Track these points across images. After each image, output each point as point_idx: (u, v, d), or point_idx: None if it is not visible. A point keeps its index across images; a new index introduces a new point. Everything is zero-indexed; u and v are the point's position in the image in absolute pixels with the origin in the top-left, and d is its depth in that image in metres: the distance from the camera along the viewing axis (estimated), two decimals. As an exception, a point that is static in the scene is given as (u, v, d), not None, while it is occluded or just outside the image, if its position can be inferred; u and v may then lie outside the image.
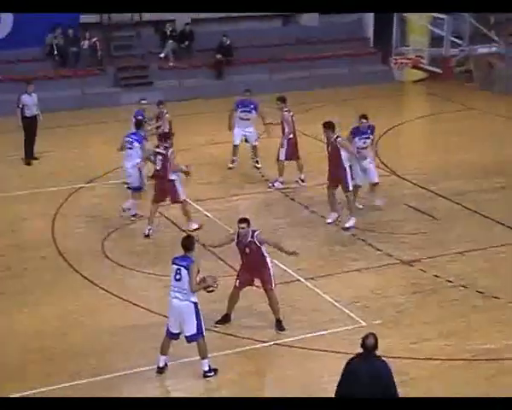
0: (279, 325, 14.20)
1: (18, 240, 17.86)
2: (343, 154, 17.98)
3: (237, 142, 21.42)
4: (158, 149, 17.84)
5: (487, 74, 30.23)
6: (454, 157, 22.23)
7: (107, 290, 15.53)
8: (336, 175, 18.15)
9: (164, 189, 17.86)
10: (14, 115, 22.00)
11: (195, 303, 12.77)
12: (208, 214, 18.86)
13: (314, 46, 30.91)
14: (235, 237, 13.98)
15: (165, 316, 13.92)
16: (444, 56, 28.60)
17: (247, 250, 13.94)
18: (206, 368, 12.96)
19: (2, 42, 27.51)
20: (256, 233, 13.91)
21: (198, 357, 13.03)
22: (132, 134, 18.80)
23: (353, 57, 30.97)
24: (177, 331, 12.95)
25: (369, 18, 32.53)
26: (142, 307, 14.90)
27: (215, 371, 13.01)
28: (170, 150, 17.69)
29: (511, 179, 20.74)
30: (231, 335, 13.94)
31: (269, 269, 14.12)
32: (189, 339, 12.90)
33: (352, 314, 14.69)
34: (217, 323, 14.15)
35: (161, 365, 13.03)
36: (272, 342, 13.90)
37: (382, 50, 31.45)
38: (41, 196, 20.09)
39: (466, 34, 29.39)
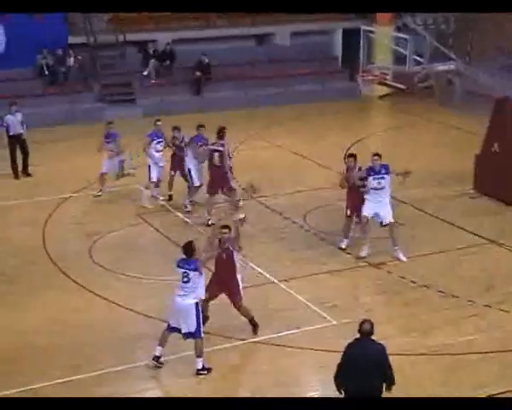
0: (254, 327, 14.04)
1: (10, 246, 17.83)
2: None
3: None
4: (215, 147, 18.45)
5: (446, 90, 30.50)
6: (416, 166, 22.35)
7: (93, 292, 15.55)
8: (359, 205, 17.15)
9: (220, 181, 18.57)
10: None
11: (197, 303, 12.78)
12: (188, 221, 18.94)
13: (286, 64, 31.08)
14: (217, 244, 13.65)
15: (149, 316, 14.04)
16: (407, 73, 28.80)
17: (224, 256, 13.66)
18: (200, 366, 12.92)
19: (-5, 62, 27.54)
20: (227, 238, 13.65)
21: (179, 355, 13.13)
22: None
23: (323, 75, 31.16)
24: (178, 327, 12.92)
25: (338, 38, 32.86)
26: (127, 308, 14.94)
27: (209, 370, 12.98)
28: (226, 147, 18.45)
29: (468, 187, 20.95)
30: (210, 333, 13.98)
31: (237, 283, 13.79)
32: (187, 336, 12.89)
33: (323, 314, 14.80)
34: None
35: (157, 354, 12.99)
36: (249, 340, 13.97)
37: (350, 68, 31.65)
38: (32, 206, 20.08)
39: (427, 53, 29.65)
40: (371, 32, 29.62)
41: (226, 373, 13.25)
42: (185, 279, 12.74)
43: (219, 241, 13.70)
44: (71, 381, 12.73)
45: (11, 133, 22.19)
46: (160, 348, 13.03)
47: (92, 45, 29.17)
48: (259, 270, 16.37)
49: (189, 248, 12.91)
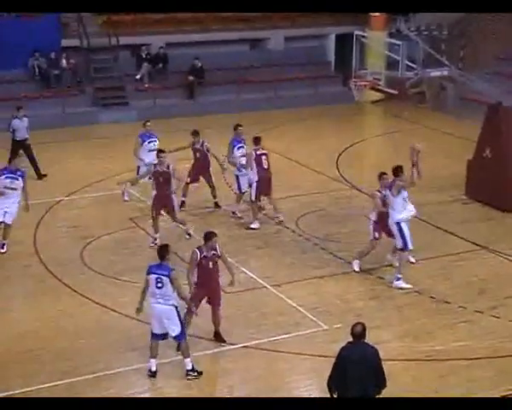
0: (219, 337, 13.84)
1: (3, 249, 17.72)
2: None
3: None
4: (262, 151, 18.67)
5: (439, 96, 30.51)
6: (409, 172, 22.37)
7: (85, 296, 15.48)
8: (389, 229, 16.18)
9: (268, 184, 18.82)
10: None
11: (176, 307, 12.73)
12: (180, 225, 18.85)
13: (280, 69, 31.09)
14: (198, 255, 13.29)
15: (141, 320, 13.93)
16: (399, 79, 28.81)
17: (211, 265, 13.41)
18: (190, 367, 12.86)
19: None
20: (217, 244, 13.49)
21: (172, 358, 13.13)
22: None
23: (316, 80, 31.18)
24: (163, 332, 12.85)
25: (331, 43, 32.89)
26: (119, 312, 14.87)
27: (200, 372, 12.90)
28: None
29: (461, 193, 20.94)
30: (202, 337, 13.94)
31: (220, 289, 13.76)
32: (177, 339, 12.86)
33: (314, 318, 14.74)
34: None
35: (154, 369, 12.89)
36: (241, 345, 13.91)
37: (343, 73, 31.68)
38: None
39: (419, 59, 29.67)
40: (364, 37, 29.65)
41: (217, 378, 13.19)
42: (159, 285, 12.63)
43: (205, 249, 13.35)
44: (63, 385, 12.63)
45: (17, 138, 21.93)
46: (153, 360, 12.92)
47: (85, 48, 29.10)
48: (251, 275, 16.32)
49: (164, 252, 12.81)
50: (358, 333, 10.45)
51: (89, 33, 28.97)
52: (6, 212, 17.25)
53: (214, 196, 19.96)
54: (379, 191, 16.36)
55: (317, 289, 16.04)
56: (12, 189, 17.30)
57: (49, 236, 18.45)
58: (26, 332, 14.26)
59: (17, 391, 12.39)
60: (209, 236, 13.43)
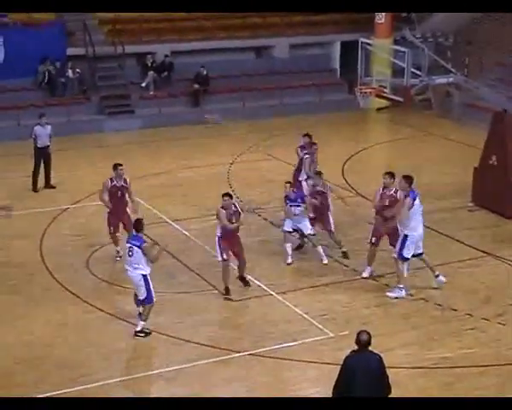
0: (244, 281, 15.82)
1: (8, 258, 17.74)
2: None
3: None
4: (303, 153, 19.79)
5: (445, 103, 30.50)
6: (415, 179, 22.36)
7: (91, 304, 15.48)
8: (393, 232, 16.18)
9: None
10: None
11: (144, 275, 14.05)
12: (186, 233, 18.86)
13: (285, 76, 31.10)
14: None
15: (146, 328, 13.93)
16: (405, 86, 28.81)
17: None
18: (139, 328, 14.15)
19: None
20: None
21: (176, 367, 13.15)
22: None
23: (321, 87, 31.17)
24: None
25: (336, 51, 32.88)
26: (124, 320, 14.86)
27: (147, 334, 14.14)
28: (301, 154, 19.73)
29: (467, 200, 20.90)
30: (208, 345, 13.93)
31: None
32: (140, 303, 14.30)
33: (320, 326, 14.72)
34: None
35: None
36: (247, 353, 13.89)
37: (348, 81, 31.67)
38: (30, 217, 19.99)
39: (425, 66, 29.69)
40: (369, 44, 29.67)
41: (223, 386, 13.15)
42: (130, 253, 14.11)
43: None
44: (68, 393, 12.59)
45: (39, 145, 21.84)
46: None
47: (91, 57, 29.11)
48: (257, 282, 16.30)
49: (138, 225, 14.28)
50: (365, 342, 10.41)
51: (94, 42, 28.97)
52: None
53: None
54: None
55: (323, 296, 16.02)
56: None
57: (55, 244, 18.44)
58: (31, 340, 14.26)
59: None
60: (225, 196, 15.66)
